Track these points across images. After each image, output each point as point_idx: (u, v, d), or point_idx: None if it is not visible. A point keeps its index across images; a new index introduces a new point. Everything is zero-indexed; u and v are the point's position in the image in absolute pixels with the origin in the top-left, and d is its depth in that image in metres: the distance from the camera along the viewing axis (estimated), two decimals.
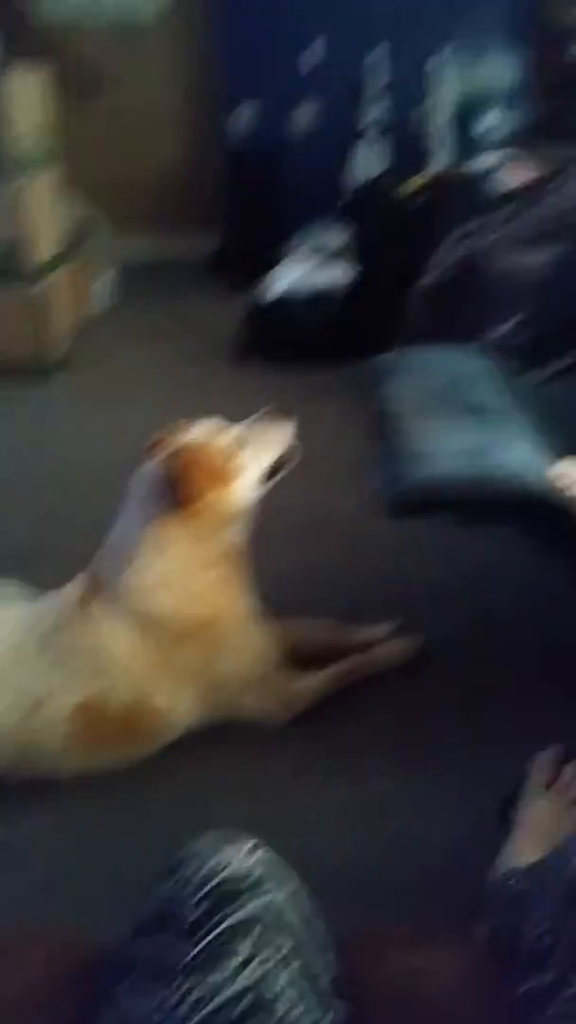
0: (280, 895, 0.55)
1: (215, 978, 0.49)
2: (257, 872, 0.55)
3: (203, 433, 1.36)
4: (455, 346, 1.85)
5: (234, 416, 1.39)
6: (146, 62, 4.55)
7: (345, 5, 4.03)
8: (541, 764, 1.04)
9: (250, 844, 0.58)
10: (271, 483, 1.39)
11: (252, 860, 0.57)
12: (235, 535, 1.38)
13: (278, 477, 1.40)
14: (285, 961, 0.51)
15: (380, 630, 1.61)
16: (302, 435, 1.41)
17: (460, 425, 1.43)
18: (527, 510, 1.31)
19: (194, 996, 0.48)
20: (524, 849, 0.90)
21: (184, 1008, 0.47)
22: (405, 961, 0.59)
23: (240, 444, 1.35)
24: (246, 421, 1.39)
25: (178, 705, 1.37)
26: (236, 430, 1.37)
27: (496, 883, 0.77)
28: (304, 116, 4.28)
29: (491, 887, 0.77)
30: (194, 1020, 0.46)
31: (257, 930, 0.52)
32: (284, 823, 1.04)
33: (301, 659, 1.50)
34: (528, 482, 1.29)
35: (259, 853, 0.58)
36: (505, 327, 2.03)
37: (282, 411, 1.42)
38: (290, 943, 0.52)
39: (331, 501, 2.08)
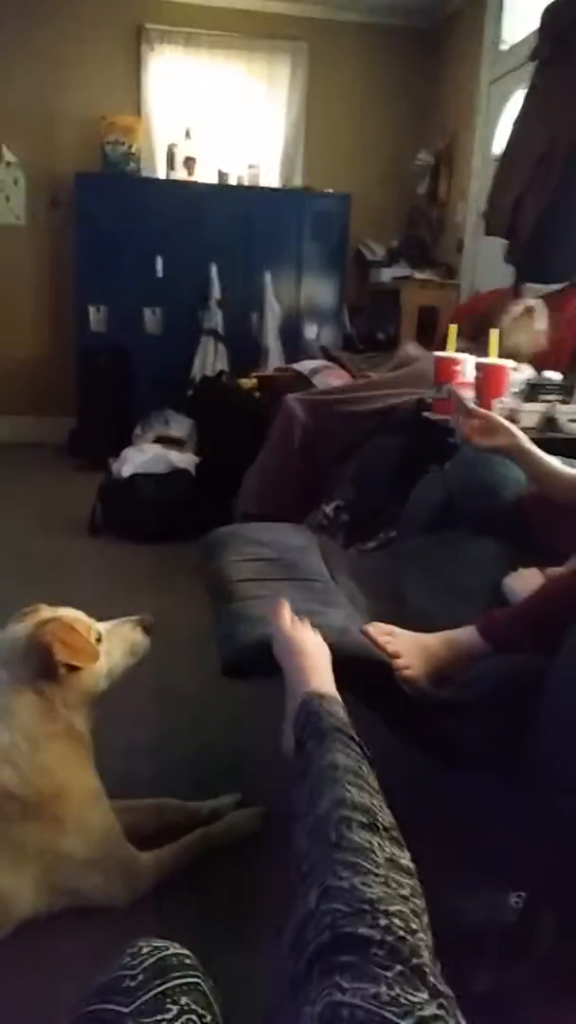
0: (204, 983, 0.66)
1: (153, 1020, 0.59)
2: (187, 960, 0.67)
3: (71, 614, 1.39)
4: (282, 523, 2.00)
5: (89, 588, 1.42)
6: (10, 261, 4.94)
7: (178, 233, 4.65)
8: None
9: (180, 946, 0.69)
10: (119, 676, 1.43)
11: (183, 951, 0.68)
12: (83, 713, 1.37)
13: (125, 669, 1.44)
14: None
15: (225, 801, 1.60)
16: (151, 606, 1.48)
17: (286, 590, 1.54)
18: (349, 665, 1.33)
19: None
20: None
21: None
22: None
23: (101, 635, 1.39)
24: (111, 622, 1.43)
25: (17, 888, 1.27)
26: (99, 624, 1.41)
27: None
28: (152, 318, 4.75)
29: None
30: None
31: (184, 999, 0.62)
32: None
33: (145, 835, 1.45)
34: (349, 639, 1.36)
35: (189, 952, 0.69)
36: (327, 509, 2.31)
37: (145, 620, 1.47)
38: (209, 1017, 0.62)
39: (178, 672, 2.10)
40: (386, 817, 0.74)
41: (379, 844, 0.68)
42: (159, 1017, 0.59)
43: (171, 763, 1.79)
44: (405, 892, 0.64)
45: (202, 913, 1.38)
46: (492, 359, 2.04)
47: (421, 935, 0.59)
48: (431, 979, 0.56)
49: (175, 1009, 0.61)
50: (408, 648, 1.36)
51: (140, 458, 3.51)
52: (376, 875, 0.64)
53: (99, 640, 1.40)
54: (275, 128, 5.16)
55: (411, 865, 0.69)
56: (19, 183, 4.87)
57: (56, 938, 1.30)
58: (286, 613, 1.19)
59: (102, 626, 1.43)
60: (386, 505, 2.23)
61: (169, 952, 0.67)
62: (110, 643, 1.41)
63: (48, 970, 1.25)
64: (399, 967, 0.55)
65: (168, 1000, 0.61)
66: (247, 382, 3.64)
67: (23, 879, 1.29)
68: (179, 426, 4.08)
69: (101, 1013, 0.60)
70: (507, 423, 1.55)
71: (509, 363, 1.98)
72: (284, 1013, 0.57)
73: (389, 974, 0.55)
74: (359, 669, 1.35)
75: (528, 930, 1.07)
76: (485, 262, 4.28)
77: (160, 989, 0.62)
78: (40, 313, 5.06)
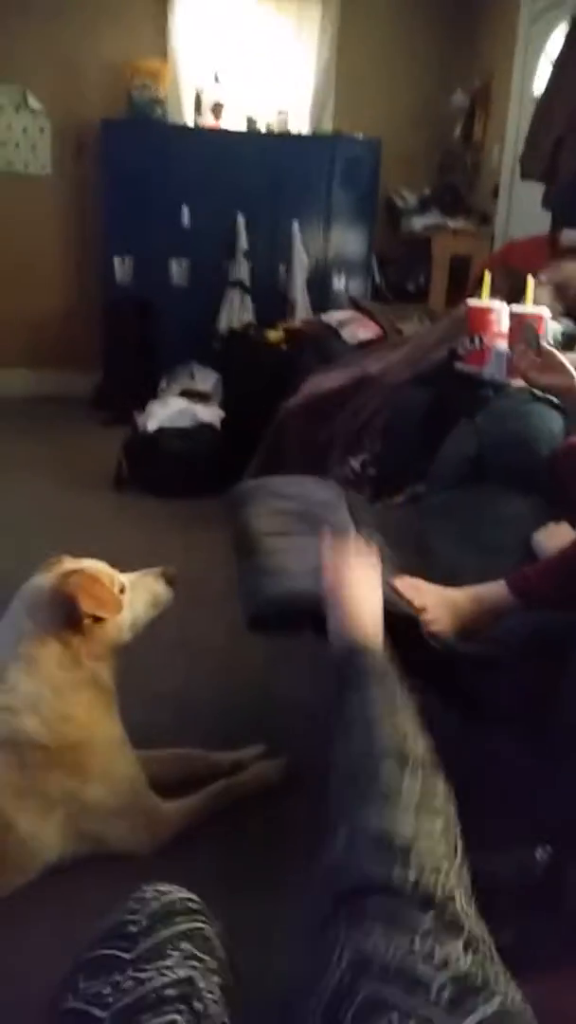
0: (209, 928, 0.66)
1: (154, 967, 0.59)
2: (192, 905, 0.67)
3: (95, 566, 1.39)
4: (308, 476, 1.98)
5: (113, 541, 1.42)
6: (36, 212, 4.84)
7: (205, 181, 4.54)
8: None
9: (186, 891, 0.70)
10: (142, 627, 1.43)
11: (189, 895, 0.68)
12: (107, 663, 1.38)
13: (148, 620, 1.45)
14: (210, 973, 0.62)
15: (248, 752, 1.62)
16: (176, 560, 1.46)
17: (311, 545, 1.55)
18: None
19: (138, 977, 0.58)
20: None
21: (129, 984, 0.58)
22: None
23: (124, 587, 1.40)
24: (134, 573, 1.43)
25: (43, 834, 1.30)
26: (122, 575, 1.41)
27: None
28: (177, 270, 4.67)
29: None
30: (135, 994, 0.57)
31: (185, 944, 0.63)
32: None
33: (169, 785, 1.47)
34: None
35: (195, 897, 0.69)
36: (354, 463, 2.28)
37: (168, 571, 1.47)
38: (214, 964, 0.63)
39: (203, 625, 2.10)
40: (418, 746, 0.72)
41: (409, 777, 0.66)
42: (159, 963, 0.60)
43: (195, 714, 1.81)
44: (439, 827, 0.62)
45: (224, 862, 1.40)
46: (528, 307, 1.97)
47: (453, 875, 0.57)
48: (464, 924, 0.54)
49: (176, 955, 0.61)
50: (435, 602, 1.34)
51: (165, 412, 3.48)
52: (405, 813, 0.62)
53: (123, 591, 1.41)
54: (305, 71, 4.98)
55: (445, 790, 0.67)
56: (44, 131, 4.77)
57: (80, 884, 1.32)
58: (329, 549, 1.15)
59: (125, 577, 1.43)
60: (414, 459, 2.18)
61: (174, 897, 0.67)
62: (133, 594, 1.42)
63: (71, 915, 1.26)
64: (431, 915, 0.54)
65: (169, 946, 0.62)
66: (274, 334, 3.58)
67: (48, 825, 1.31)
68: (204, 379, 4.04)
69: (103, 959, 0.60)
70: (568, 364, 1.48)
71: (545, 312, 1.91)
72: (310, 957, 0.56)
73: (420, 924, 0.53)
74: (385, 623, 1.30)
75: (555, 884, 1.07)
76: (521, 208, 4.13)
77: (162, 935, 0.62)
78: (65, 265, 5.00)
